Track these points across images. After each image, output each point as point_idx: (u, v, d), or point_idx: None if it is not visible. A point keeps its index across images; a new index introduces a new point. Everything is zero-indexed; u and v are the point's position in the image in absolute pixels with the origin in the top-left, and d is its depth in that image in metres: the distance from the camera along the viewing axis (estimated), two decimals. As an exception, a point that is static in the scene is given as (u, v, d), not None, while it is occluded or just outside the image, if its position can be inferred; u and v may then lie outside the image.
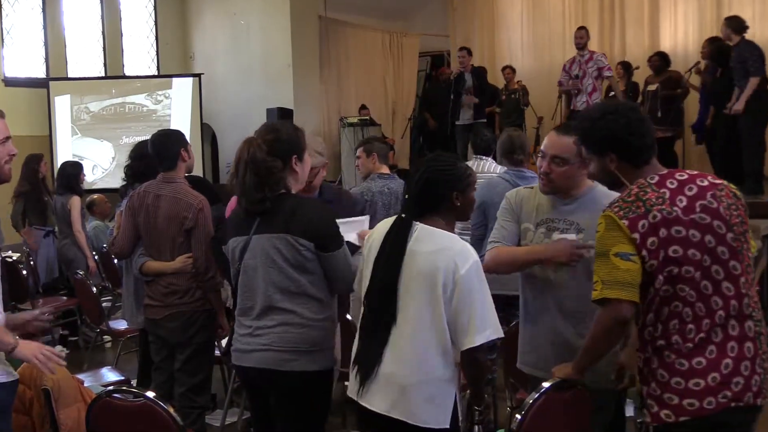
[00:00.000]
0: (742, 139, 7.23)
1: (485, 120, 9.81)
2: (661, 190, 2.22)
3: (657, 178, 2.26)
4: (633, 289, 2.17)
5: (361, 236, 3.02)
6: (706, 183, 2.26)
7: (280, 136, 2.69)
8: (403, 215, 2.45)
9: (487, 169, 4.92)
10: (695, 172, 2.32)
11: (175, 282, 3.65)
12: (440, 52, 13.27)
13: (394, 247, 2.40)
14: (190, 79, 10.74)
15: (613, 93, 8.91)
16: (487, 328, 2.28)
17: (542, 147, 2.77)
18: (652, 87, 8.63)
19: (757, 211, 6.11)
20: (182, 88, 10.61)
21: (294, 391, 2.68)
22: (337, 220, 2.89)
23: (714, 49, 7.80)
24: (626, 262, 2.16)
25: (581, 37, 8.45)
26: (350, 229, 3.05)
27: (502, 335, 2.33)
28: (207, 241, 3.58)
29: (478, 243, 4.53)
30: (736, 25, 7.24)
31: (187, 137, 3.90)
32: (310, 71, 10.99)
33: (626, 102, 2.53)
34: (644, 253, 2.16)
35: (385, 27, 12.81)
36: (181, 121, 10.35)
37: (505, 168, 4.45)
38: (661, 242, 2.16)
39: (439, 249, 2.34)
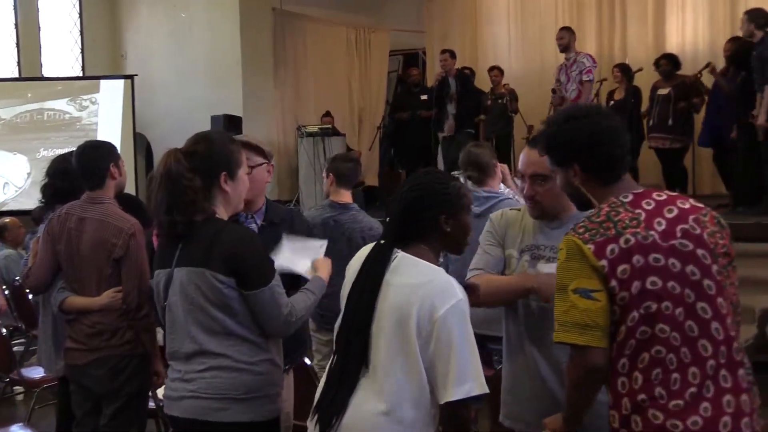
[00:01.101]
0: (762, 152, 7.34)
1: (472, 130, 9.90)
2: (636, 211, 2.21)
3: (631, 196, 2.25)
4: (595, 332, 2.13)
5: (315, 266, 3.02)
6: (687, 206, 2.25)
7: (208, 147, 2.69)
8: (383, 241, 2.46)
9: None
10: (675, 194, 2.31)
11: (102, 321, 3.61)
12: (414, 50, 13.39)
13: (369, 278, 2.40)
14: (122, 81, 10.71)
15: (614, 102, 9.06)
16: (467, 381, 2.27)
17: (519, 167, 2.81)
18: (664, 91, 8.75)
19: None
20: (112, 91, 10.57)
21: None
22: (290, 240, 2.89)
23: (737, 49, 7.82)
24: (585, 301, 2.13)
25: (561, 38, 8.65)
26: (304, 254, 3.03)
27: (487, 390, 2.32)
28: (140, 273, 3.56)
29: None
30: (760, 18, 7.28)
31: (118, 149, 3.90)
32: (262, 72, 11.02)
33: (600, 107, 2.55)
34: (614, 283, 2.13)
35: (351, 21, 12.91)
36: (111, 130, 10.30)
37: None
38: (636, 272, 2.13)
39: (417, 283, 2.34)
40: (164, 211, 2.62)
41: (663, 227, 2.18)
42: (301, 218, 3.51)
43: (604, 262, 2.14)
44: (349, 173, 4.81)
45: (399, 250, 2.42)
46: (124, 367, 3.60)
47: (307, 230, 3.34)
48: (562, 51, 8.71)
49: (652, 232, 2.16)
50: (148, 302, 3.53)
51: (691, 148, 9.12)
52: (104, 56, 11.76)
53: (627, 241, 2.15)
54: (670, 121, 8.58)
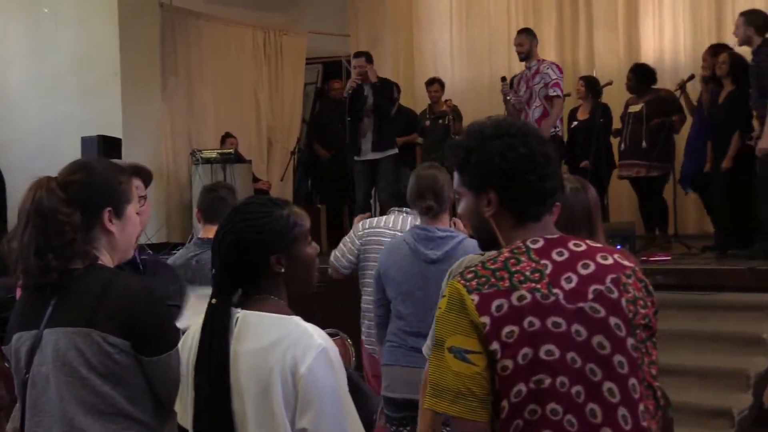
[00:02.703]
0: (759, 185, 7.42)
1: (396, 150, 9.80)
2: (542, 262, 2.20)
3: (542, 242, 2.25)
4: (469, 402, 2.11)
5: None
6: (610, 261, 2.24)
7: (89, 178, 2.67)
8: (214, 301, 2.46)
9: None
10: (598, 245, 2.32)
11: (-62, 398, 3.54)
12: (336, 57, 13.45)
13: (214, 354, 2.40)
14: (-35, 92, 10.52)
15: (576, 122, 9.24)
16: None
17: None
18: (635, 108, 8.86)
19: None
20: (-47, 105, 10.38)
21: None
22: (196, 294, 2.94)
23: (734, 62, 7.89)
24: (459, 363, 2.11)
25: (520, 44, 8.76)
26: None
27: None
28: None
29: (382, 328, 4.64)
30: (759, 20, 7.38)
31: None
32: (147, 83, 10.93)
33: (531, 127, 2.50)
34: (495, 346, 2.11)
35: (259, 21, 12.91)
36: (-49, 154, 10.10)
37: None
38: (526, 337, 2.11)
39: (270, 343, 2.37)
40: (33, 254, 2.55)
41: (572, 285, 2.17)
42: (166, 268, 3.53)
43: (486, 319, 2.12)
44: (213, 206, 4.74)
45: (239, 309, 2.44)
46: (-34, 457, 3.53)
47: (173, 279, 3.39)
48: (522, 59, 8.81)
49: (556, 291, 2.15)
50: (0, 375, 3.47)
51: (672, 177, 9.26)
52: (-57, 61, 11.55)
53: (521, 298, 2.13)
54: (643, 144, 8.68)
